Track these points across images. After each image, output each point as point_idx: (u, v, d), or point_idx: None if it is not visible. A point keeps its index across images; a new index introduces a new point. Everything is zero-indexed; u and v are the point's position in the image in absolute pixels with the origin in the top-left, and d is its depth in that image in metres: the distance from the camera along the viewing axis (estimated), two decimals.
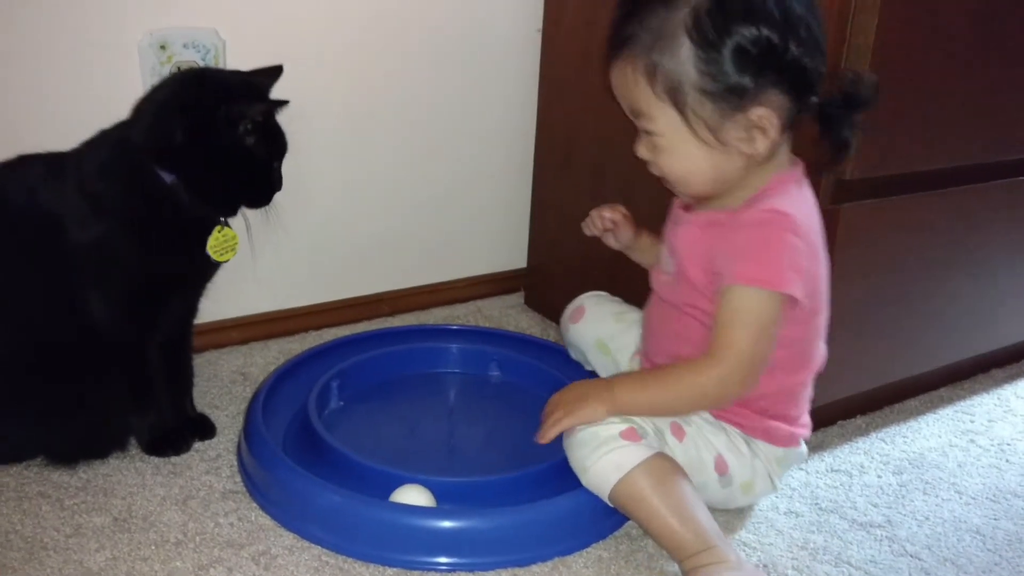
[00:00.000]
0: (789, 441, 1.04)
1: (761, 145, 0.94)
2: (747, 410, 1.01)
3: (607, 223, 1.18)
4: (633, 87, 0.95)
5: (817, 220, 0.98)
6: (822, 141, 0.97)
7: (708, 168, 0.96)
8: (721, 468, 1.00)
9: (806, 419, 1.06)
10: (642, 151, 1.00)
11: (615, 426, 0.96)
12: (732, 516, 1.06)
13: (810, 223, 0.97)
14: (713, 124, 0.93)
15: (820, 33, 0.93)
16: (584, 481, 0.96)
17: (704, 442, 1.00)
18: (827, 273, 1.01)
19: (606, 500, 0.96)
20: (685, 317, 1.02)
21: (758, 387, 0.97)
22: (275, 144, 1.04)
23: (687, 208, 1.05)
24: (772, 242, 0.94)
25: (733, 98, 0.92)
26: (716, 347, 0.95)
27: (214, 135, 0.99)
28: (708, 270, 0.98)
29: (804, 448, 1.07)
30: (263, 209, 1.07)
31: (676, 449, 0.98)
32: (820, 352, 1.04)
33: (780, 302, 0.94)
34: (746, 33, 0.89)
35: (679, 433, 0.99)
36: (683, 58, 0.91)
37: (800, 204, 0.97)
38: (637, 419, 0.97)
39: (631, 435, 0.95)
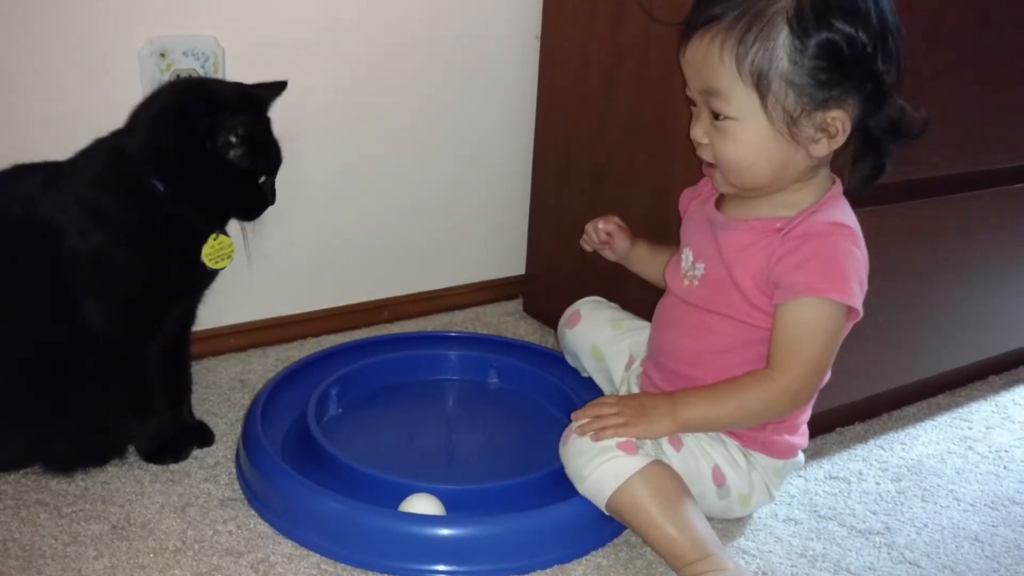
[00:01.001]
0: (787, 453, 1.04)
1: (825, 148, 0.94)
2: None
3: (603, 235, 1.18)
4: (717, 64, 0.93)
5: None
6: (857, 163, 0.98)
7: (772, 159, 0.95)
8: (719, 479, 1.00)
9: (804, 429, 1.06)
10: (699, 133, 0.98)
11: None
12: (730, 523, 1.06)
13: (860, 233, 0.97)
14: (791, 116, 0.92)
15: (902, 51, 0.93)
16: (581, 490, 0.96)
17: (701, 453, 1.00)
18: None
19: (603, 509, 0.96)
20: (714, 316, 1.01)
21: None
22: (264, 158, 1.03)
23: (718, 206, 1.04)
24: (839, 254, 0.94)
25: (818, 95, 0.91)
26: (783, 358, 0.95)
27: (198, 145, 0.98)
28: (763, 278, 0.97)
29: (801, 457, 1.07)
30: (255, 221, 1.06)
31: (674, 459, 0.98)
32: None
33: (845, 314, 0.94)
34: (845, 32, 0.89)
35: (676, 443, 0.99)
36: (778, 45, 0.90)
37: (853, 218, 0.97)
38: None
39: (628, 446, 0.95)
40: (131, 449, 1.10)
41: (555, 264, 1.54)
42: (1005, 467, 1.23)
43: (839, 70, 0.90)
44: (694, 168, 1.24)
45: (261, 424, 1.06)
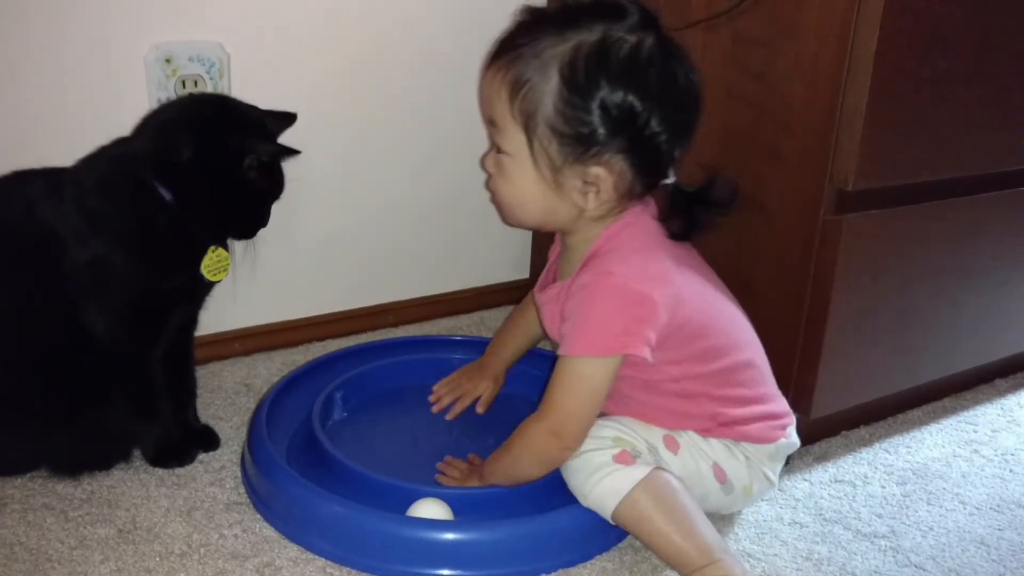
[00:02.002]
0: (771, 437, 1.02)
1: (592, 203, 0.95)
2: (705, 424, 1.01)
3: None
4: (496, 97, 0.95)
5: (663, 248, 0.97)
6: (666, 220, 0.97)
7: (539, 202, 0.97)
8: (720, 476, 1.00)
9: (777, 408, 1.04)
10: (489, 164, 1.00)
11: (608, 450, 0.95)
12: (736, 527, 1.06)
13: (644, 266, 0.95)
14: (554, 164, 0.93)
15: (694, 118, 0.95)
16: (585, 505, 0.96)
17: (699, 453, 1.00)
18: (707, 283, 1.01)
19: (609, 520, 0.96)
20: None
21: (693, 407, 0.99)
22: (275, 185, 1.06)
23: (541, 290, 1.06)
24: (594, 309, 0.94)
25: (579, 147, 0.92)
26: (545, 402, 0.97)
27: (222, 161, 1.00)
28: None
29: (794, 438, 1.06)
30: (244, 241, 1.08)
31: (673, 463, 0.98)
32: (740, 356, 1.02)
33: (613, 362, 0.94)
34: (613, 92, 0.90)
35: (674, 446, 0.99)
36: (548, 89, 0.91)
37: (631, 253, 0.95)
38: (628, 439, 0.97)
39: (624, 458, 0.95)
40: (137, 453, 1.10)
41: None
42: (1011, 470, 1.22)
43: (602, 127, 0.91)
44: (696, 172, 1.24)
45: (266, 428, 1.06)
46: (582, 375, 0.95)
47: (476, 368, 1.24)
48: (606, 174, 0.93)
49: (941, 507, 1.13)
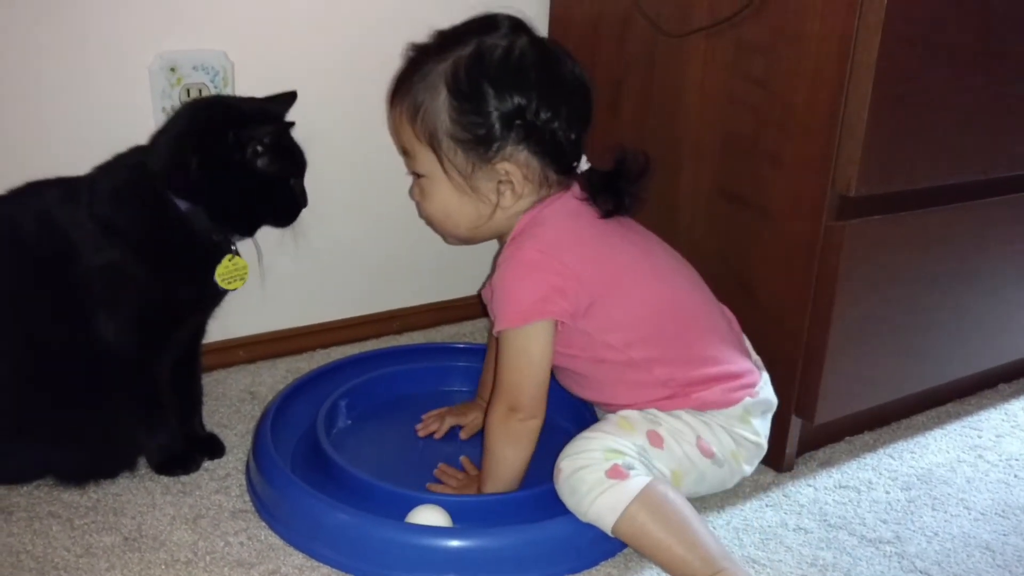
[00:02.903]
0: (729, 400, 1.03)
1: (508, 199, 1.02)
2: (662, 393, 1.03)
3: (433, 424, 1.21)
4: (400, 127, 1.03)
5: (579, 219, 1.02)
6: (595, 200, 1.03)
7: (464, 211, 1.04)
8: (706, 451, 1.01)
9: (735, 368, 1.05)
10: (415, 193, 1.07)
11: (599, 466, 0.95)
12: (740, 533, 1.06)
13: (555, 236, 1.00)
14: (464, 172, 1.01)
15: (585, 104, 1.02)
16: (585, 521, 0.96)
17: (679, 436, 1.01)
18: (643, 248, 1.06)
19: (610, 535, 0.96)
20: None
21: (645, 375, 1.02)
22: (291, 162, 1.06)
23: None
24: (510, 282, 1.00)
25: (480, 149, 0.99)
26: (495, 386, 1.02)
27: (226, 159, 1.00)
28: None
29: (766, 395, 1.07)
30: (289, 227, 1.09)
31: (662, 458, 0.99)
32: (682, 316, 1.05)
33: (541, 329, 0.99)
34: (496, 91, 0.98)
35: (657, 440, 1.00)
36: (440, 106, 0.99)
37: (541, 227, 1.01)
38: (617, 447, 0.97)
39: (617, 473, 0.94)
40: (142, 461, 1.11)
41: None
42: (1016, 475, 1.22)
43: (495, 127, 0.98)
44: (701, 178, 1.24)
45: (271, 436, 1.06)
46: (517, 348, 1.00)
47: (465, 404, 1.25)
48: (513, 167, 1.00)
49: (946, 512, 1.13)
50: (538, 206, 1.03)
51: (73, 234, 0.99)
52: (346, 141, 1.38)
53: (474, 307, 1.61)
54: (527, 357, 1.00)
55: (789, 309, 1.15)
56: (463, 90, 0.98)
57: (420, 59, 1.03)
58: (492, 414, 1.02)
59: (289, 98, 1.09)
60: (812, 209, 1.10)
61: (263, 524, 1.02)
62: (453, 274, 1.58)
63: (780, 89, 1.11)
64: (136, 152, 1.04)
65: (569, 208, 1.03)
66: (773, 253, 1.16)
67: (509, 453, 1.02)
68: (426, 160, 1.02)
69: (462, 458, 1.14)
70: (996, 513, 1.13)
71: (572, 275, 0.99)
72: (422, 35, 1.39)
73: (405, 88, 1.02)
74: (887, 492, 1.16)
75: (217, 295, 1.09)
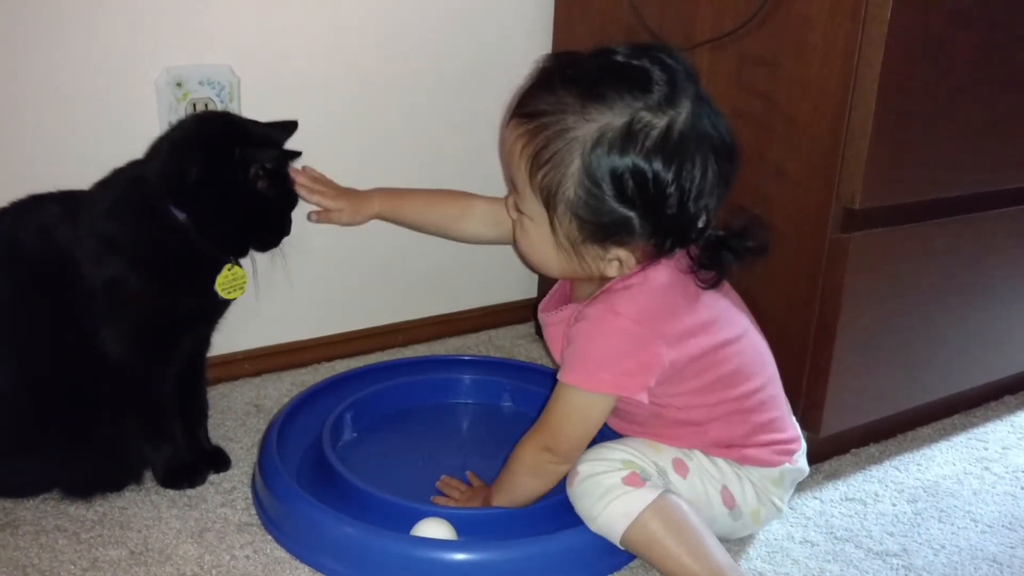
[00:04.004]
0: (774, 461, 1.02)
1: (613, 271, 0.95)
2: (709, 444, 1.00)
3: (306, 181, 1.13)
4: (516, 164, 0.94)
5: (676, 285, 0.95)
6: (697, 270, 0.96)
7: (560, 264, 0.97)
8: (729, 502, 1.00)
9: (784, 435, 1.03)
10: (509, 203, 1.00)
11: (617, 473, 0.95)
12: (747, 546, 1.05)
13: (652, 306, 0.93)
14: (574, 240, 0.93)
15: (730, 171, 0.92)
16: (593, 529, 0.96)
17: (708, 477, 1.00)
18: (723, 313, 0.99)
19: (618, 545, 0.95)
20: None
21: (699, 433, 0.99)
22: (286, 193, 1.07)
23: (544, 309, 1.07)
24: (596, 344, 0.94)
25: (600, 234, 0.92)
26: (541, 421, 0.99)
27: (228, 175, 1.00)
28: None
29: (801, 464, 1.05)
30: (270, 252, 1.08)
31: (681, 486, 0.98)
32: (750, 385, 1.00)
33: (604, 400, 0.96)
34: (638, 185, 0.88)
35: (682, 469, 0.99)
36: (569, 174, 0.89)
37: (641, 293, 0.94)
38: (637, 462, 0.97)
39: (634, 480, 0.95)
40: (148, 474, 1.11)
41: None
42: (1022, 487, 1.22)
43: (629, 226, 0.90)
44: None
45: (277, 449, 1.06)
46: (576, 405, 0.97)
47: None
48: (627, 254, 0.93)
49: (953, 525, 1.13)
50: (637, 275, 0.95)
51: (75, 250, 1.00)
52: (351, 155, 1.38)
53: (477, 320, 1.61)
54: (584, 417, 0.97)
55: (794, 321, 1.15)
56: (601, 173, 0.88)
57: (557, 91, 0.90)
58: (527, 444, 0.99)
59: (290, 127, 1.09)
60: (816, 221, 1.10)
61: (269, 537, 1.02)
62: (457, 287, 1.58)
63: (784, 102, 1.12)
64: (134, 166, 1.05)
65: (671, 272, 0.95)
66: (778, 265, 1.15)
67: (531, 484, 1.01)
68: (534, 208, 0.93)
69: (468, 473, 1.14)
70: (1003, 525, 1.13)
71: (660, 356, 0.93)
72: (429, 48, 1.40)
73: (534, 126, 0.91)
74: (893, 504, 1.16)
75: (218, 305, 1.09)
